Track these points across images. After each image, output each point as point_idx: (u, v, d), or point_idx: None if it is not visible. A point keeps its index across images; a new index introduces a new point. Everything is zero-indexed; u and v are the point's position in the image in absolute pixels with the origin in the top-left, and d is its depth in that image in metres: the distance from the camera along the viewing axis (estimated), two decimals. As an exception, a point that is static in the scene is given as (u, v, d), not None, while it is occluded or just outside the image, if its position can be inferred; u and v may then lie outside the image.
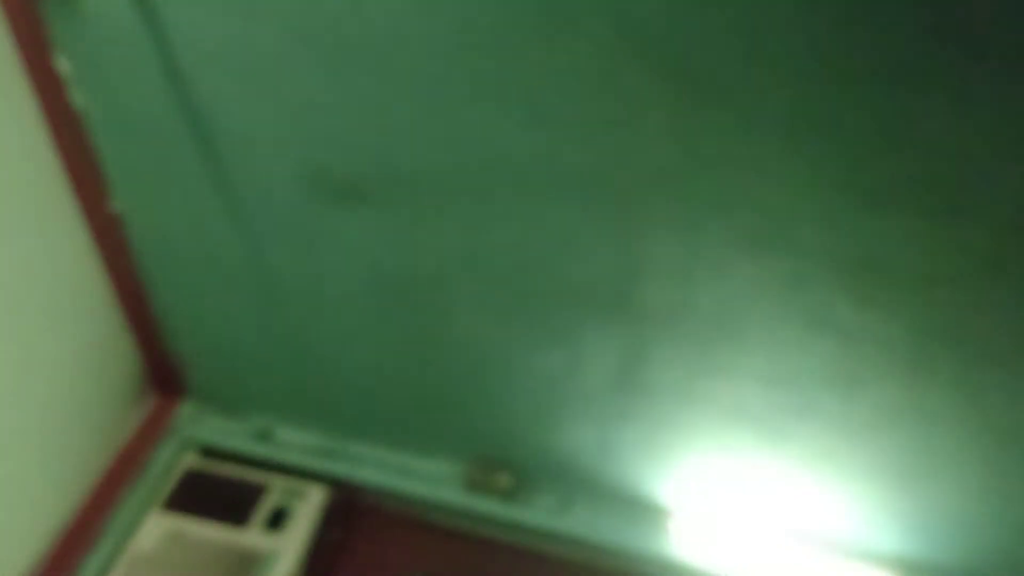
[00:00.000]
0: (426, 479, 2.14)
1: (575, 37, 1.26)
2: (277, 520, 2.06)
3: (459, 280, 1.71)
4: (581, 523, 2.02)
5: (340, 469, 2.18)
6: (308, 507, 2.08)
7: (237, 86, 1.52)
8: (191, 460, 2.20)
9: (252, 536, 2.03)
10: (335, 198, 1.64)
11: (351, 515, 2.18)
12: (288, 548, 2.00)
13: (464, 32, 1.32)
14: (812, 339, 1.54)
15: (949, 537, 1.80)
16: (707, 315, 1.58)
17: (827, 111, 1.23)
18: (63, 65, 1.60)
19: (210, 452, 2.26)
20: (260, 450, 2.24)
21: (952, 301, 1.39)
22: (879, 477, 1.73)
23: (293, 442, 2.25)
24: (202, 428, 2.29)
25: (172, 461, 2.21)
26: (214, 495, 2.12)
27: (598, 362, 1.75)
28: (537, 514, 2.05)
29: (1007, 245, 1.28)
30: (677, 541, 1.98)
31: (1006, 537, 1.75)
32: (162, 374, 2.25)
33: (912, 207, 1.29)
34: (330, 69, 1.44)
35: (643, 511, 2.02)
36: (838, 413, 1.64)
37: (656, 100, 1.29)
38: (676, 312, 1.59)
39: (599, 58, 1.27)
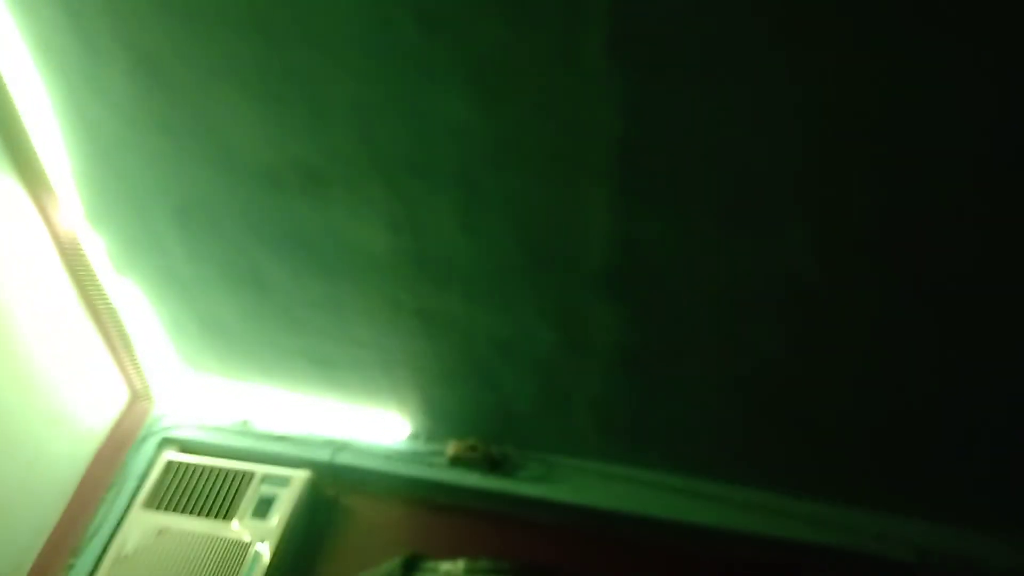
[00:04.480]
0: (410, 458, 2.15)
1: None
2: (262, 508, 2.06)
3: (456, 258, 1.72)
4: (562, 490, 2.06)
5: (322, 454, 2.18)
6: (292, 494, 2.08)
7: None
8: (171, 457, 2.18)
9: (237, 526, 2.03)
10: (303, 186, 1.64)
11: (336, 498, 2.19)
12: (274, 535, 2.00)
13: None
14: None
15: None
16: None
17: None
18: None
19: (190, 447, 2.25)
20: (240, 442, 2.23)
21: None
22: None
23: (273, 431, 2.24)
24: (180, 425, 2.27)
25: (152, 459, 2.20)
26: (197, 489, 2.11)
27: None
28: (520, 484, 2.07)
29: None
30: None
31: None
32: (137, 374, 2.23)
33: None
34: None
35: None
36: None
37: (611, 73, 1.30)
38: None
39: (556, 33, 1.27)
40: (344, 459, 2.17)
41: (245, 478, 2.12)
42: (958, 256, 1.37)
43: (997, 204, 1.28)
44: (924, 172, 1.28)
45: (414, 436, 2.17)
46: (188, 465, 2.16)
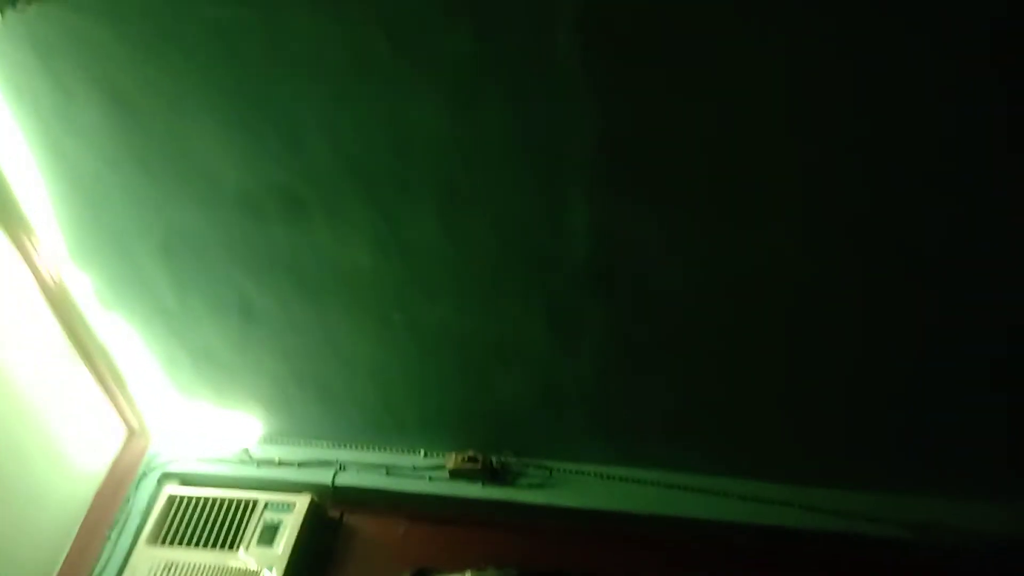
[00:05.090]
0: (410, 474, 2.15)
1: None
2: (267, 535, 2.06)
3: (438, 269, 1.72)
4: (563, 495, 2.06)
5: (323, 476, 2.18)
6: (296, 518, 2.08)
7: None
8: (173, 491, 2.18)
9: (243, 554, 2.03)
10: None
11: (340, 519, 2.18)
12: (281, 561, 1.99)
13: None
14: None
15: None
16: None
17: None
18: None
19: (191, 480, 2.24)
20: (241, 471, 2.22)
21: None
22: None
23: (273, 457, 2.24)
24: (179, 458, 2.27)
25: (153, 495, 2.19)
26: (201, 521, 2.10)
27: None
28: (521, 492, 2.07)
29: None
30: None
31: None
32: (132, 410, 2.23)
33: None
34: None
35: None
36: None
37: (584, 70, 1.30)
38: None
39: (527, 34, 1.28)
40: (346, 480, 2.16)
41: (248, 506, 2.12)
42: (939, 232, 1.38)
43: (979, 183, 1.29)
44: (905, 153, 1.29)
45: (413, 451, 2.17)
46: (190, 498, 2.15)
